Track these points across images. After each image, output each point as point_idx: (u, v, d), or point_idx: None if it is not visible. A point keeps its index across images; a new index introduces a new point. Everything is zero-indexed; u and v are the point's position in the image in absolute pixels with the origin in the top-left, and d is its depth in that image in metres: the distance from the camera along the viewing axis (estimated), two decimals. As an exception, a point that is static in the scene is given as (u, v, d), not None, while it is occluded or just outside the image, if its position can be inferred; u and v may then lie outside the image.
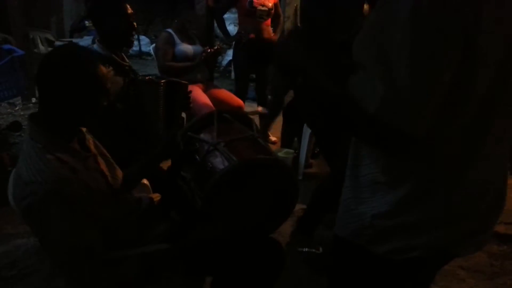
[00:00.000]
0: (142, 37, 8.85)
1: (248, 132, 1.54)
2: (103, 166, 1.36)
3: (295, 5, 4.83)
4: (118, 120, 1.84)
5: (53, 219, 1.08)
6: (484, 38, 0.77)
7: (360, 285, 1.07)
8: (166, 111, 2.01)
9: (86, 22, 7.90)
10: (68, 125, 1.23)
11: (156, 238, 1.46)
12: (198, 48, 3.42)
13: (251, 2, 3.60)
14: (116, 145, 1.54)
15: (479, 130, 0.85)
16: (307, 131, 3.25)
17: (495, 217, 0.99)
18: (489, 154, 0.88)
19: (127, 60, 2.03)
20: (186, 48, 3.36)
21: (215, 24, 4.21)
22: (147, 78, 2.01)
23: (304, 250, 2.35)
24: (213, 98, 3.20)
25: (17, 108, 4.51)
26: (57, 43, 6.93)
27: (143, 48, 8.64)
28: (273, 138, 4.07)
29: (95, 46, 1.96)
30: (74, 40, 7.67)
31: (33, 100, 4.67)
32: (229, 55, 7.07)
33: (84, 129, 1.34)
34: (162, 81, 1.97)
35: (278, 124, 3.83)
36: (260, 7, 3.64)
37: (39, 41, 6.11)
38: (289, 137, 3.56)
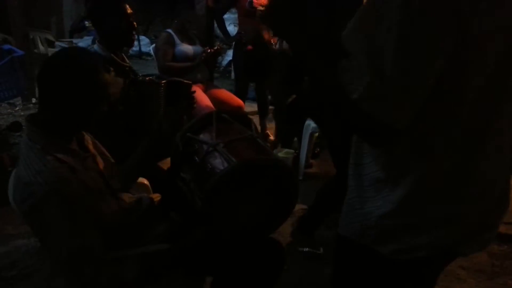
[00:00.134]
0: (142, 37, 8.85)
1: (247, 132, 1.54)
2: (102, 166, 1.36)
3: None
4: (119, 120, 1.84)
5: (53, 219, 1.09)
6: (481, 32, 0.76)
7: (364, 285, 1.06)
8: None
9: (86, 22, 7.89)
10: (67, 127, 1.23)
11: (156, 238, 1.46)
12: (198, 48, 3.42)
13: (251, 3, 3.60)
14: (117, 145, 1.54)
15: (479, 129, 0.85)
16: (307, 131, 3.25)
17: (500, 216, 0.98)
18: (491, 152, 0.88)
19: (128, 61, 2.03)
20: (186, 48, 3.36)
21: (215, 25, 4.21)
22: (147, 78, 2.01)
23: (304, 250, 2.35)
24: (213, 98, 3.20)
25: (17, 108, 4.51)
26: (57, 43, 6.92)
27: (143, 49, 8.64)
28: (273, 138, 4.07)
29: (95, 46, 1.97)
30: (74, 41, 7.69)
31: (33, 100, 4.67)
32: (229, 55, 7.07)
33: (82, 130, 1.35)
34: (163, 81, 1.97)
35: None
36: (260, 7, 3.63)
37: (39, 41, 6.10)
38: (289, 137, 3.56)
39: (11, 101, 4.37)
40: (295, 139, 3.51)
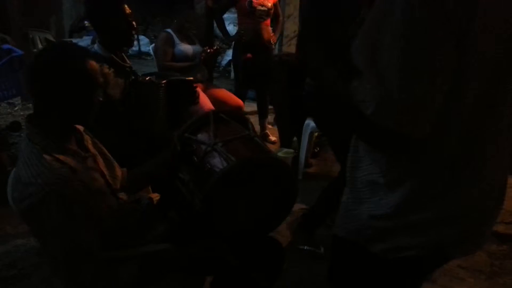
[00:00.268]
0: (141, 37, 8.84)
1: (245, 131, 1.54)
2: (102, 165, 1.36)
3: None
4: (119, 121, 1.84)
5: (52, 220, 1.08)
6: (479, 39, 0.77)
7: (359, 283, 1.07)
8: (169, 111, 2.01)
9: (86, 22, 7.90)
10: (64, 123, 1.22)
11: (156, 238, 1.46)
12: (197, 48, 3.42)
13: (251, 2, 3.60)
14: (118, 146, 1.54)
15: (478, 130, 0.85)
16: (306, 131, 3.25)
17: (494, 216, 0.99)
18: (491, 154, 0.88)
19: (128, 61, 2.03)
20: (186, 48, 3.36)
21: (215, 24, 4.21)
22: (147, 78, 2.01)
23: (305, 248, 2.35)
24: (212, 98, 3.20)
25: (16, 108, 4.50)
26: (57, 43, 6.91)
27: (143, 48, 8.63)
28: (272, 138, 4.07)
29: (95, 46, 1.96)
30: (74, 40, 7.68)
31: (33, 100, 4.66)
32: (228, 55, 7.07)
33: (82, 129, 1.34)
34: (163, 81, 1.97)
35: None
36: (260, 7, 3.64)
37: (38, 41, 6.10)
38: (289, 137, 3.56)
39: (10, 101, 4.36)
40: (295, 138, 3.51)
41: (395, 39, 0.77)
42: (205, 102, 3.04)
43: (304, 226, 2.45)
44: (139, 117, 1.94)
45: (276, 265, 1.61)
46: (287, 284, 2.04)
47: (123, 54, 2.02)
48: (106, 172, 1.36)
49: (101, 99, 1.25)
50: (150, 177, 1.62)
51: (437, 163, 0.87)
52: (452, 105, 0.81)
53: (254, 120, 1.99)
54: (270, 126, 4.18)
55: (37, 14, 6.49)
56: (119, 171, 1.47)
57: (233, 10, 4.20)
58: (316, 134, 3.33)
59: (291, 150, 3.32)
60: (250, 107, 4.37)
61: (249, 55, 3.60)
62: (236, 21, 4.09)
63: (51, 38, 6.77)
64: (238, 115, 1.71)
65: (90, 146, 1.36)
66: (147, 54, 8.22)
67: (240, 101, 3.49)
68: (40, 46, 5.98)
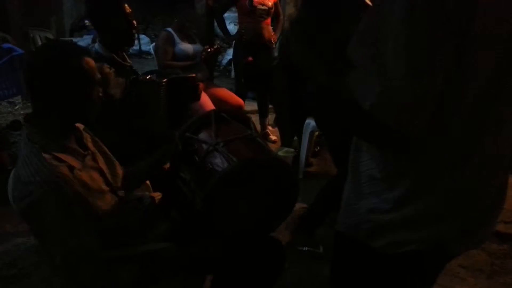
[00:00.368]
0: (142, 36, 8.82)
1: (247, 131, 1.54)
2: (102, 164, 1.36)
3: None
4: (120, 120, 1.84)
5: (52, 219, 1.08)
6: (479, 39, 0.76)
7: (361, 280, 1.07)
8: (171, 109, 2.01)
9: (86, 21, 7.89)
10: (63, 122, 1.22)
11: (157, 237, 1.46)
12: (198, 47, 3.42)
13: (251, 1, 3.59)
14: (118, 145, 1.54)
15: (478, 128, 0.85)
16: (307, 130, 3.25)
17: (495, 215, 0.99)
18: (490, 153, 0.88)
19: (129, 60, 2.03)
20: (186, 47, 3.36)
21: (215, 23, 4.21)
22: (147, 77, 2.01)
23: (304, 249, 2.35)
24: (213, 97, 3.20)
25: (17, 107, 4.50)
26: (57, 42, 6.90)
27: (143, 47, 8.61)
28: (273, 137, 4.07)
29: (96, 46, 1.96)
30: (74, 39, 7.67)
31: (33, 99, 4.66)
32: (229, 54, 7.05)
33: (81, 128, 1.34)
34: (164, 80, 1.96)
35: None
36: (260, 6, 3.64)
37: (39, 40, 6.11)
38: (289, 136, 3.56)
39: (10, 99, 4.36)
40: (295, 138, 3.51)
41: (395, 38, 0.77)
42: (206, 101, 3.04)
43: (303, 227, 2.45)
44: (139, 116, 1.94)
45: (276, 265, 1.61)
46: (287, 284, 2.04)
47: (123, 53, 2.01)
48: (106, 170, 1.36)
49: (101, 94, 1.25)
50: (147, 175, 1.61)
51: (437, 162, 0.87)
52: (452, 105, 0.82)
53: (254, 119, 1.99)
54: (270, 128, 4.18)
55: (38, 13, 6.48)
56: (119, 169, 1.47)
57: (233, 9, 4.20)
58: (316, 133, 3.32)
59: (292, 149, 3.32)
60: (250, 106, 4.37)
61: (250, 58, 3.59)
62: (237, 20, 4.09)
63: (52, 37, 6.77)
64: (240, 114, 1.71)
65: (90, 145, 1.35)
66: (148, 53, 8.20)
67: (240, 100, 3.49)
68: (40, 45, 5.97)
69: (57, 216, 1.08)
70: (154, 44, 3.77)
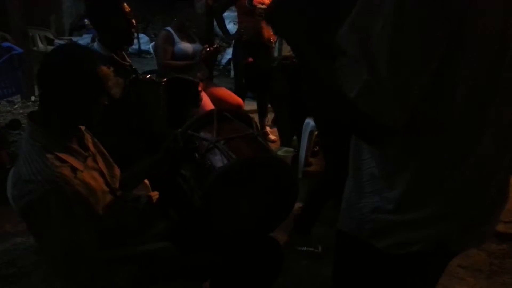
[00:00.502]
0: (141, 35, 8.83)
1: (248, 130, 1.54)
2: (101, 165, 1.36)
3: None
4: (119, 119, 1.84)
5: (51, 218, 1.08)
6: (471, 33, 0.76)
7: (364, 279, 1.07)
8: (170, 109, 2.01)
9: (86, 20, 7.89)
10: (68, 124, 1.23)
11: (156, 236, 1.46)
12: (197, 46, 3.42)
13: (251, 1, 3.59)
14: (117, 145, 1.54)
15: (473, 127, 0.85)
16: (306, 130, 3.25)
17: (497, 213, 0.98)
18: (487, 151, 0.88)
19: (128, 59, 2.03)
20: (186, 46, 3.36)
21: (215, 23, 4.21)
22: (147, 77, 2.01)
23: (303, 249, 2.35)
24: (212, 97, 3.20)
25: (16, 106, 4.50)
26: (57, 41, 6.92)
27: (142, 47, 8.62)
28: (272, 137, 4.06)
29: (95, 45, 1.96)
30: (74, 38, 7.68)
31: (32, 98, 4.66)
32: (228, 53, 7.05)
33: (83, 128, 1.34)
34: (163, 80, 1.96)
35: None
36: (260, 6, 3.63)
37: (38, 39, 6.11)
38: (289, 136, 3.56)
39: (10, 99, 4.36)
40: (295, 137, 3.51)
41: (386, 28, 0.75)
42: (206, 101, 3.04)
43: (300, 228, 2.45)
44: (139, 116, 1.94)
45: (275, 265, 1.61)
46: (287, 284, 2.04)
47: (123, 52, 2.01)
48: (105, 171, 1.36)
49: (106, 103, 1.26)
50: (145, 176, 1.61)
51: (437, 162, 0.87)
52: (451, 104, 0.81)
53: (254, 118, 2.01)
54: (268, 128, 4.18)
55: (37, 12, 6.49)
56: (117, 171, 1.47)
57: (233, 8, 4.20)
58: (316, 133, 3.32)
59: (291, 149, 3.32)
60: (249, 105, 4.36)
61: (250, 59, 3.59)
62: (236, 20, 4.09)
63: (51, 37, 6.78)
64: (242, 114, 1.71)
65: (90, 145, 1.36)
66: (147, 52, 8.20)
67: (240, 100, 3.49)
68: (40, 44, 5.98)
69: (57, 215, 1.08)
70: (153, 43, 3.76)
